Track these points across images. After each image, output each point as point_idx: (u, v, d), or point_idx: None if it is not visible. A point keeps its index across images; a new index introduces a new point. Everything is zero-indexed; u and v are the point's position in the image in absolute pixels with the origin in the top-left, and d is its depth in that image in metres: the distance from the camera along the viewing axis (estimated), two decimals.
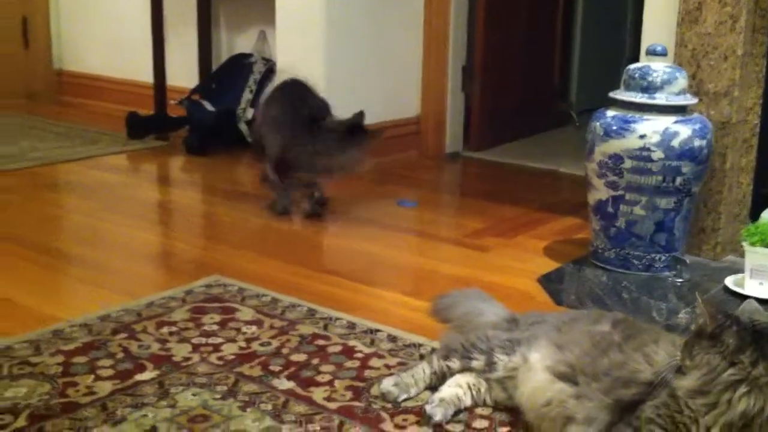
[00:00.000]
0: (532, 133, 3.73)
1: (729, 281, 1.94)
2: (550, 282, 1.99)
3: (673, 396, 1.16)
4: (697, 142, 1.96)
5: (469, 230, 2.43)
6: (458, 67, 3.37)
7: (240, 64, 3.53)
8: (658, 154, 1.94)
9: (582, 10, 4.10)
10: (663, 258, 2.03)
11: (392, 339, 1.65)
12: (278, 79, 2.63)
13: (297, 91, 2.52)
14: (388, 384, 1.43)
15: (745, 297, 1.86)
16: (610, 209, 2.04)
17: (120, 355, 1.56)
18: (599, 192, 2.05)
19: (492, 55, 3.46)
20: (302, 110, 2.44)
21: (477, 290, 1.76)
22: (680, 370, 1.16)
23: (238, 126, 3.35)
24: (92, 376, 1.48)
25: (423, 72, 3.36)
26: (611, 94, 2.04)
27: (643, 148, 1.95)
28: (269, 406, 1.39)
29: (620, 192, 2.01)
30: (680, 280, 2.01)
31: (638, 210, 2.00)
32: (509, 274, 2.07)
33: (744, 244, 1.91)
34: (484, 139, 3.48)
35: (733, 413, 1.10)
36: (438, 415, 1.35)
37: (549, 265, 2.12)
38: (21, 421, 1.33)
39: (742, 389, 1.09)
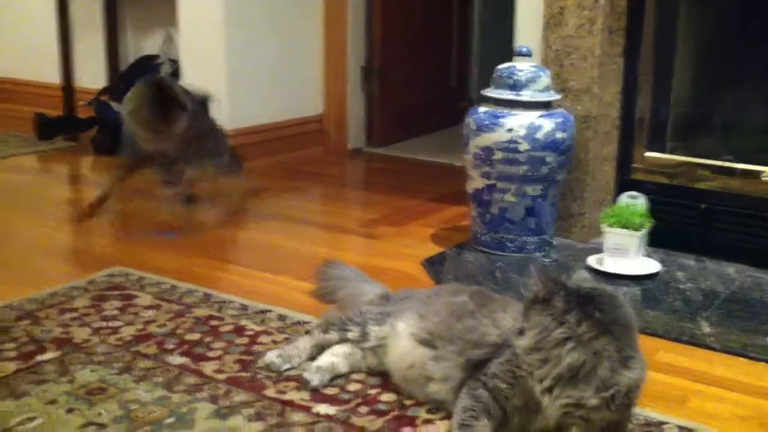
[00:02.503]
0: (433, 130, 3.91)
1: (591, 260, 2.15)
2: (432, 265, 2.17)
3: (514, 354, 1.34)
4: (559, 135, 2.17)
5: (364, 220, 2.60)
6: (358, 67, 3.54)
7: (147, 65, 3.61)
8: (524, 146, 2.14)
9: (478, 9, 4.31)
10: (533, 240, 2.23)
11: (282, 318, 1.81)
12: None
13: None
14: (271, 356, 1.59)
15: (604, 274, 2.08)
16: (485, 197, 2.23)
17: (23, 339, 1.67)
18: (475, 181, 2.24)
19: (391, 55, 3.63)
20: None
21: (340, 263, 1.92)
22: (521, 333, 1.34)
23: None
24: None
25: (324, 71, 3.52)
26: (483, 92, 2.24)
27: (511, 141, 2.14)
28: (162, 379, 1.52)
29: (493, 181, 2.20)
30: (548, 260, 2.21)
31: (509, 197, 2.20)
32: (397, 259, 2.24)
33: (603, 225, 2.12)
34: (385, 136, 3.66)
35: (562, 366, 1.28)
36: (315, 381, 1.51)
37: (434, 250, 2.30)
38: None
39: (569, 345, 1.27)
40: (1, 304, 1.83)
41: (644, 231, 2.09)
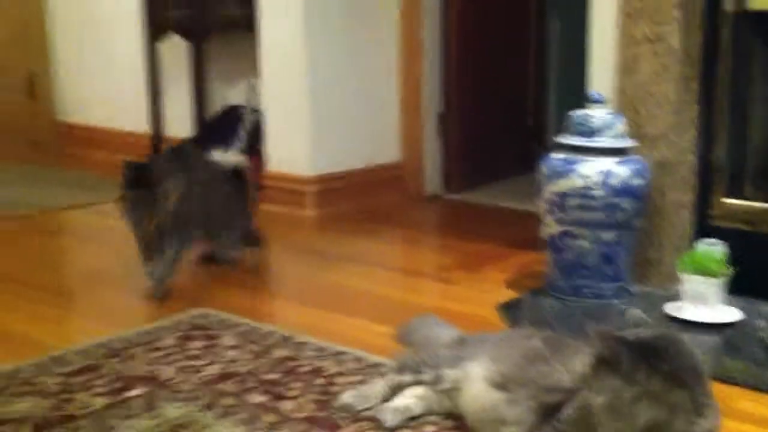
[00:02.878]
0: (511, 175, 3.92)
1: (669, 307, 2.13)
2: (507, 310, 2.19)
3: (588, 406, 1.35)
4: (635, 181, 2.17)
5: (439, 265, 2.64)
6: (434, 113, 3.60)
7: (231, 114, 3.76)
8: (599, 192, 2.15)
9: (556, 54, 4.34)
10: (610, 287, 2.22)
11: (358, 360, 1.85)
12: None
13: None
14: (348, 396, 1.63)
15: (683, 322, 2.06)
16: (560, 243, 2.24)
17: (112, 376, 1.75)
18: (550, 227, 2.26)
19: (466, 100, 3.69)
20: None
21: (434, 317, 1.96)
22: (592, 390, 1.34)
23: None
24: (88, 393, 1.67)
25: (401, 119, 3.59)
26: (556, 139, 2.26)
27: (586, 187, 2.16)
28: (243, 416, 1.58)
29: (567, 227, 2.21)
30: (625, 307, 2.20)
31: (584, 243, 2.20)
32: (471, 304, 2.26)
33: (680, 272, 2.11)
34: (462, 181, 3.70)
35: (638, 425, 1.27)
36: (390, 421, 1.54)
37: (509, 295, 2.31)
38: (26, 430, 1.52)
39: (643, 403, 1.27)
40: (93, 343, 1.92)
41: (722, 278, 2.07)
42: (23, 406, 1.62)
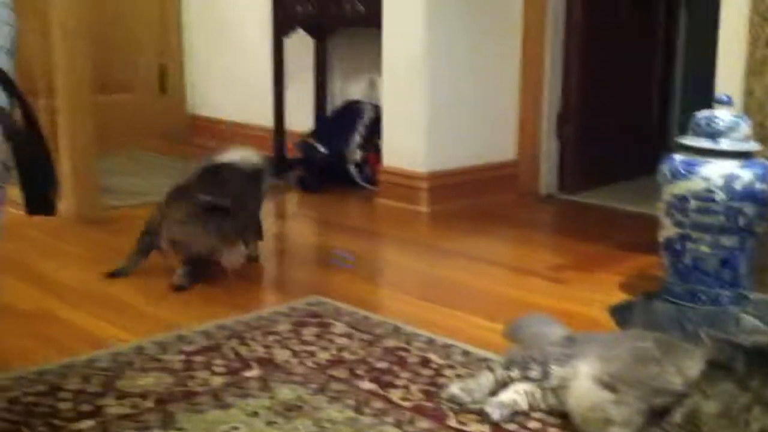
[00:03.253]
0: (630, 177, 3.85)
1: None
2: (619, 312, 2.16)
3: (697, 411, 1.33)
4: (758, 185, 2.10)
5: (551, 264, 2.62)
6: (553, 114, 3.57)
7: (351, 109, 3.84)
8: (720, 196, 2.09)
9: (682, 53, 4.22)
10: (728, 293, 2.16)
11: (465, 353, 1.87)
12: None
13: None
14: (455, 388, 1.65)
15: None
16: (677, 246, 2.19)
17: (231, 356, 1.84)
18: (668, 230, 2.21)
19: (587, 102, 3.64)
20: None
21: (545, 315, 1.97)
22: (705, 395, 1.32)
23: (347, 167, 3.66)
24: (208, 372, 1.76)
25: (519, 117, 3.58)
26: (678, 139, 2.22)
27: (707, 190, 2.10)
28: (352, 402, 1.63)
29: (686, 230, 2.16)
30: (744, 315, 2.14)
31: (704, 247, 2.15)
32: (582, 304, 2.25)
33: None
34: (579, 182, 3.65)
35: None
36: (495, 415, 1.56)
37: (621, 298, 2.29)
38: (149, 404, 1.62)
39: (756, 410, 1.25)
40: (216, 324, 2.02)
41: None
42: (147, 381, 1.72)
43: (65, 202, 2.94)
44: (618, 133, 3.83)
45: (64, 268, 2.53)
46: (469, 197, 3.40)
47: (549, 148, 3.60)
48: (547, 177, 3.61)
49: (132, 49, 4.78)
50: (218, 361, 1.82)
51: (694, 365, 1.45)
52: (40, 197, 1.36)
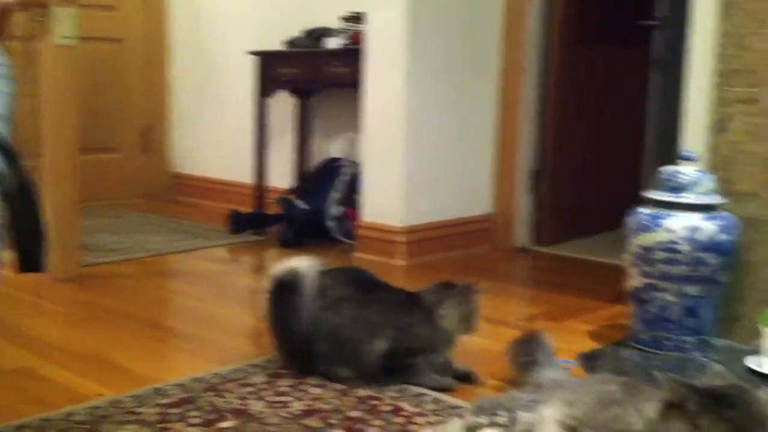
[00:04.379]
0: (603, 230, 3.94)
1: (750, 361, 2.12)
2: (588, 360, 2.21)
3: None
4: (722, 237, 2.18)
5: (524, 315, 2.68)
6: (528, 169, 3.67)
7: (331, 166, 3.93)
8: (684, 247, 2.17)
9: (654, 113, 4.34)
10: (692, 340, 2.22)
11: (436, 401, 1.91)
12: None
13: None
14: None
15: (763, 376, 2.05)
16: (644, 295, 2.26)
17: (207, 408, 1.87)
18: (634, 280, 2.28)
19: (562, 158, 3.74)
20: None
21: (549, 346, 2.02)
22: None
23: (326, 223, 3.72)
24: (184, 423, 1.79)
25: (495, 173, 3.67)
26: (644, 193, 2.30)
27: (671, 242, 2.18)
28: None
29: (652, 280, 2.23)
30: (708, 360, 2.19)
31: (669, 296, 2.22)
32: None
33: (761, 326, 2.09)
34: (552, 236, 3.74)
35: None
36: None
37: (591, 346, 2.34)
38: None
39: None
40: (192, 377, 2.06)
41: None
42: None
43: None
44: (592, 188, 3.92)
45: (46, 326, 2.57)
46: (446, 251, 3.46)
47: (524, 202, 3.69)
48: (522, 230, 3.69)
49: (118, 111, 4.87)
50: (194, 413, 1.85)
51: (653, 407, 1.51)
52: (32, 256, 1.42)
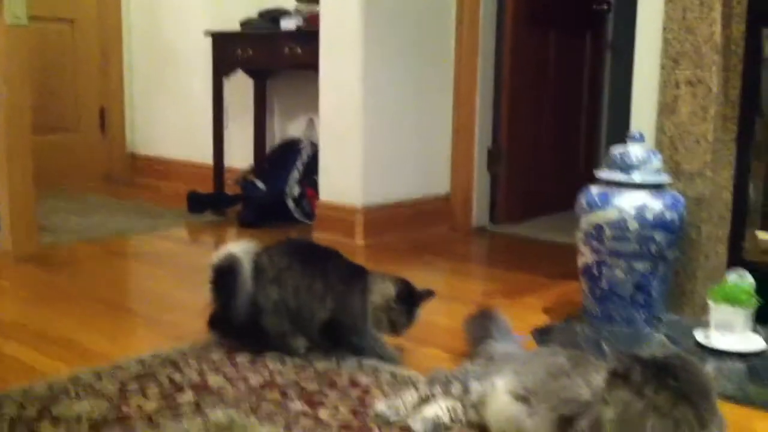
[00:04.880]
0: (558, 210, 4.01)
1: (698, 335, 2.19)
2: (541, 334, 2.27)
3: (600, 419, 1.43)
4: (668, 214, 2.25)
5: (481, 293, 2.73)
6: (484, 149, 3.72)
7: (290, 147, 3.94)
8: (633, 225, 2.23)
9: (608, 93, 4.43)
10: (642, 314, 2.29)
11: (392, 374, 1.96)
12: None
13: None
14: (381, 406, 1.73)
15: (710, 350, 2.12)
16: (594, 272, 2.32)
17: (165, 383, 1.89)
18: (586, 257, 2.34)
19: (517, 137, 3.81)
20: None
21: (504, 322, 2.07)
22: (606, 403, 1.43)
23: (286, 203, 3.74)
24: (142, 397, 1.81)
25: (452, 153, 3.72)
26: (595, 173, 2.36)
27: (621, 220, 2.24)
28: (282, 421, 1.70)
29: (603, 257, 2.29)
30: (656, 334, 2.27)
31: (618, 273, 2.28)
32: None
33: (709, 301, 2.17)
34: (509, 215, 3.80)
35: None
36: (420, 429, 1.65)
37: (545, 321, 2.40)
38: (83, 428, 1.66)
39: (650, 417, 1.36)
40: (151, 353, 2.07)
41: (750, 308, 2.12)
42: (82, 406, 1.76)
43: (3, 239, 2.98)
44: (547, 168, 3.99)
45: (3, 304, 2.56)
46: (404, 230, 3.51)
47: (481, 183, 3.74)
48: (480, 210, 3.74)
49: (72, 92, 4.82)
50: (152, 388, 1.87)
51: (600, 377, 1.56)
52: None
